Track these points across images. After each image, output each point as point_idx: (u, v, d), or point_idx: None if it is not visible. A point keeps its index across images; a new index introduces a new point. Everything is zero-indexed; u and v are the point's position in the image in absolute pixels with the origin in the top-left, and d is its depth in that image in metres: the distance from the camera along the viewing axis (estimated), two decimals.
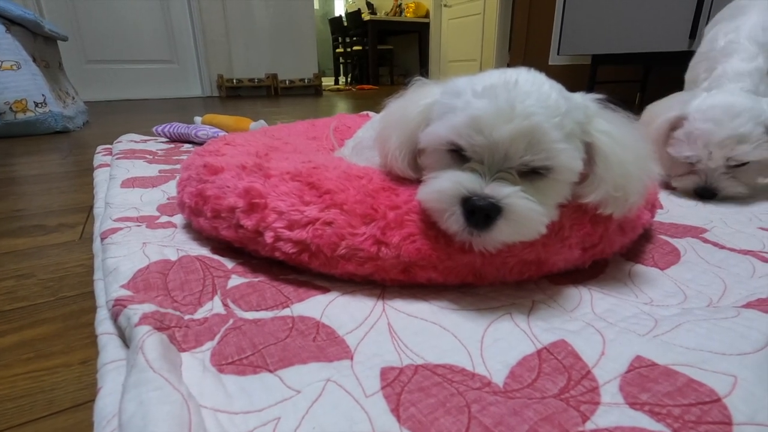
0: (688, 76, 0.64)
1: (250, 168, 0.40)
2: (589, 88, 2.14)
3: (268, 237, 0.35)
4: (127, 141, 1.06)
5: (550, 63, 2.66)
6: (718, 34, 0.59)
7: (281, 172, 0.38)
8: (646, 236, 0.46)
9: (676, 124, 0.51)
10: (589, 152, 0.32)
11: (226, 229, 0.38)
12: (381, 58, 5.45)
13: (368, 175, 0.38)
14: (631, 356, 0.26)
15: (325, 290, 0.35)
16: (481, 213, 0.28)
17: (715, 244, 0.44)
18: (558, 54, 2.17)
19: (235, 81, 3.43)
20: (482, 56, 4.81)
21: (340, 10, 6.49)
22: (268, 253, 0.36)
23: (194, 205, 0.42)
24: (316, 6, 6.71)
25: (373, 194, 0.35)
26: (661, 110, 0.53)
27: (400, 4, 5.53)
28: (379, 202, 0.34)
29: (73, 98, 1.73)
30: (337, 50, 5.87)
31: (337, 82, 5.98)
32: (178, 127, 1.06)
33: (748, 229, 0.48)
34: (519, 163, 0.29)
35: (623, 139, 0.32)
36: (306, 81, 3.68)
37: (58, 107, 1.44)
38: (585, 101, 0.32)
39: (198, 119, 1.15)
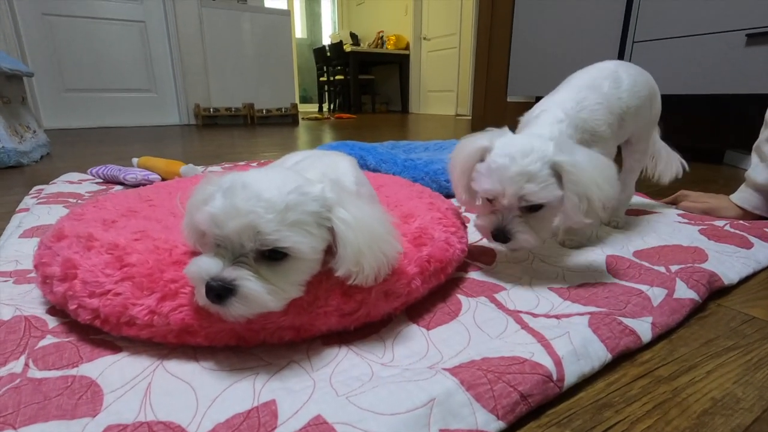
0: None
1: (84, 238, 0.46)
2: None
3: (72, 304, 0.41)
4: (62, 182, 1.12)
5: (508, 100, 2.80)
6: (535, 108, 0.67)
7: (103, 243, 0.45)
8: (443, 295, 0.53)
9: (482, 155, 0.56)
10: (334, 236, 0.39)
11: (49, 294, 0.44)
12: (363, 87, 5.62)
13: (177, 248, 0.44)
14: (312, 415, 0.32)
15: (118, 350, 0.41)
16: (213, 292, 0.35)
17: (499, 305, 0.51)
18: (507, 97, 2.30)
19: (212, 110, 3.52)
20: (458, 88, 4.99)
21: (327, 39, 6.70)
22: (75, 318, 0.42)
23: (34, 268, 0.48)
24: (304, 35, 6.94)
25: (165, 268, 0.41)
26: (473, 140, 0.58)
27: (382, 37, 5.74)
28: (166, 276, 0.41)
29: (35, 132, 1.79)
30: (321, 79, 6.04)
31: (320, 109, 6.14)
32: (111, 169, 1.13)
33: (541, 289, 0.55)
34: (252, 249, 0.36)
35: (359, 225, 0.39)
36: (283, 110, 3.79)
37: (12, 143, 1.51)
38: (324, 194, 0.39)
39: (135, 161, 1.22)
